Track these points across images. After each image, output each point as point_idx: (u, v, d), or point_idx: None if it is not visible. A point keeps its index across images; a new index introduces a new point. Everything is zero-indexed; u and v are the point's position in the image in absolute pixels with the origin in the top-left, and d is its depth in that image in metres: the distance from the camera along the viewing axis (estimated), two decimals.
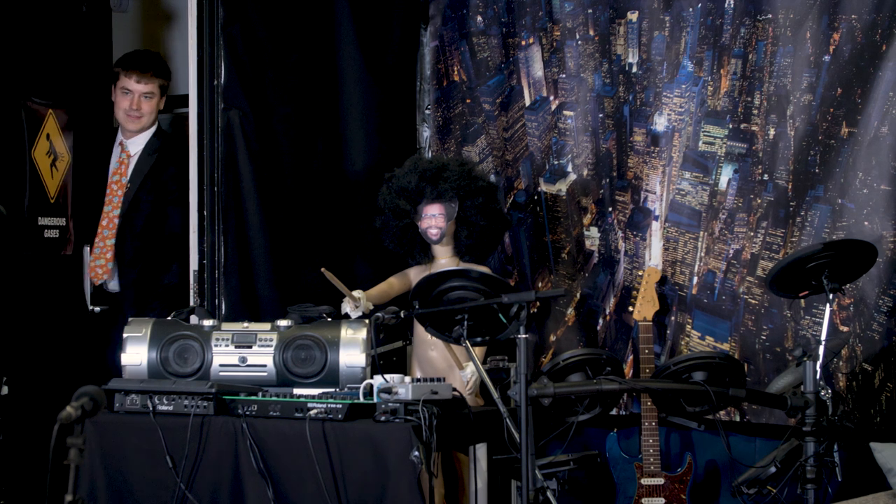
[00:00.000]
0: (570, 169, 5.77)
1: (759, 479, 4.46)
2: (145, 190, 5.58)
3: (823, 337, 4.29)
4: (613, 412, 5.38)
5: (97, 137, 5.78)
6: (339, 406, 4.03)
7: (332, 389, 4.38)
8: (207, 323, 4.51)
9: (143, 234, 5.56)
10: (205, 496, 4.18)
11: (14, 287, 5.22)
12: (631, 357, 5.56)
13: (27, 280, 5.34)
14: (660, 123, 5.53)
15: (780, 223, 5.21)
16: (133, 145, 5.64)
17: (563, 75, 5.79)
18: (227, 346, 4.45)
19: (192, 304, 5.49)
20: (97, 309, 5.61)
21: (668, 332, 5.49)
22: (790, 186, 5.19)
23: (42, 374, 5.30)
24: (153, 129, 5.68)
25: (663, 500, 5.18)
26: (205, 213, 5.62)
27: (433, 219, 5.09)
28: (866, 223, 4.97)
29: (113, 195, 5.56)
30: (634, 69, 5.60)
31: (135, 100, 5.57)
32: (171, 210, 5.58)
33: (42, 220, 5.46)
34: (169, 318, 4.60)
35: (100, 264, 5.53)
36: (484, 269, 4.99)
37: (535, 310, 5.77)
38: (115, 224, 5.53)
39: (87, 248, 5.61)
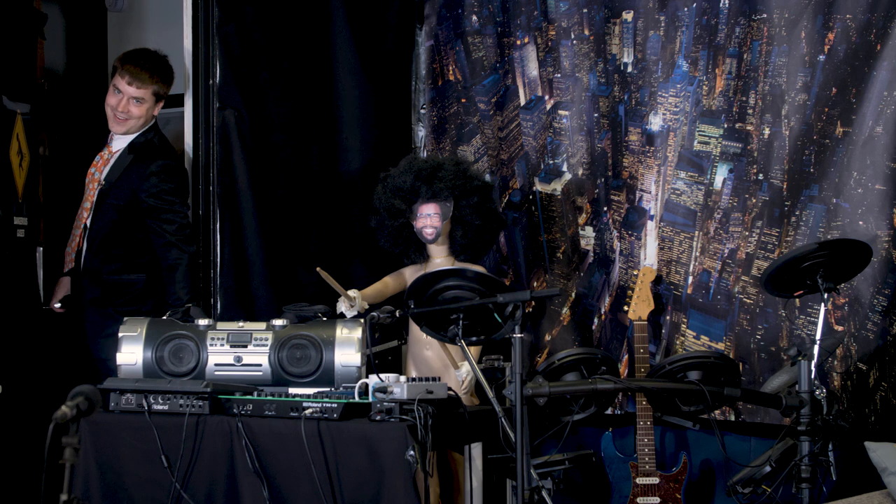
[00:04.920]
0: (565, 168, 5.77)
1: (753, 478, 4.47)
2: (117, 190, 5.21)
3: (818, 336, 4.29)
4: (608, 411, 5.38)
5: (79, 137, 5.66)
6: (335, 405, 4.03)
7: (328, 389, 4.38)
8: (203, 322, 4.50)
9: (104, 240, 5.21)
10: (200, 496, 4.18)
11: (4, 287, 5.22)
12: (626, 356, 5.56)
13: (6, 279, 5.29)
14: (655, 123, 5.53)
15: (775, 223, 5.22)
16: (117, 142, 5.31)
17: (559, 75, 5.79)
18: (222, 345, 4.45)
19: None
20: (56, 306, 5.42)
21: (664, 331, 5.50)
22: (785, 186, 5.20)
23: (37, 373, 5.29)
24: (143, 130, 5.30)
25: (658, 500, 5.18)
26: (199, 212, 5.62)
27: (428, 218, 5.09)
28: (861, 223, 4.98)
29: (90, 192, 5.28)
30: (629, 69, 5.60)
31: (122, 101, 5.21)
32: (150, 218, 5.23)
33: (16, 220, 5.36)
34: (164, 317, 4.60)
35: (67, 262, 5.34)
36: (479, 268, 4.99)
37: (531, 309, 5.77)
38: (85, 224, 5.23)
39: (41, 250, 5.48)
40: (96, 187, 5.25)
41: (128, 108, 5.23)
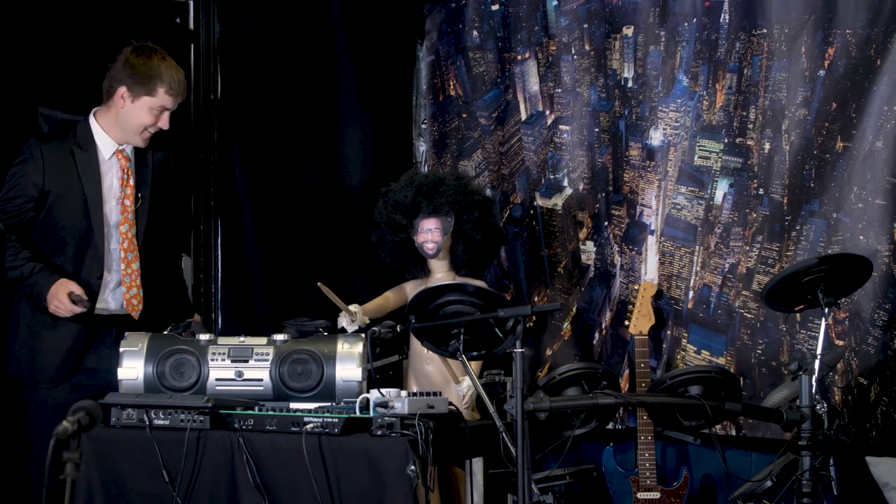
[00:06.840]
0: (566, 183, 5.78)
1: (755, 493, 4.46)
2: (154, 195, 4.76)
3: (819, 351, 4.29)
4: (609, 426, 5.38)
5: None
6: (336, 420, 4.03)
7: (329, 404, 4.38)
8: (204, 337, 4.50)
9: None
10: None
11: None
12: (627, 371, 5.56)
13: None
14: (655, 138, 5.54)
15: (776, 237, 5.22)
16: (128, 150, 4.71)
17: (559, 90, 5.80)
18: (223, 360, 4.44)
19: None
20: None
21: (665, 346, 5.49)
22: (785, 201, 5.20)
23: None
24: None
25: None
26: (200, 227, 5.63)
27: (429, 233, 5.10)
28: (861, 237, 4.98)
29: (127, 212, 4.68)
30: (630, 84, 5.61)
31: (164, 118, 4.64)
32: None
33: None
34: (165, 332, 4.60)
35: (133, 294, 4.74)
36: (480, 283, 4.99)
37: (532, 324, 5.77)
38: (135, 245, 4.72)
39: None
40: (130, 205, 4.70)
41: (166, 123, 4.67)
